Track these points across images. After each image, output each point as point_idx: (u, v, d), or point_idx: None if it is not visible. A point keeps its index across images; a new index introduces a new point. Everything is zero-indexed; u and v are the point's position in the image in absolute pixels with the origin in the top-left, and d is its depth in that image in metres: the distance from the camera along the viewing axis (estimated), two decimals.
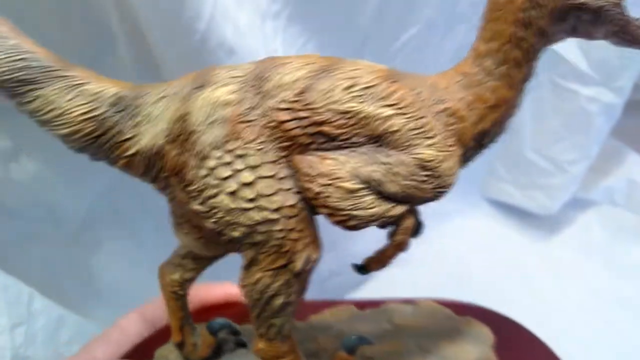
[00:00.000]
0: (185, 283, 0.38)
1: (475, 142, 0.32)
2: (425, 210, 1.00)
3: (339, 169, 0.29)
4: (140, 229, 0.70)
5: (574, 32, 0.31)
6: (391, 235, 0.33)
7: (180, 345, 0.40)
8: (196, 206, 0.29)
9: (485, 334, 0.42)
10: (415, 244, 0.99)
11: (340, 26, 0.69)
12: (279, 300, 0.30)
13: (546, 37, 0.31)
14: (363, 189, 0.29)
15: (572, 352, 0.72)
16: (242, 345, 0.41)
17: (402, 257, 0.99)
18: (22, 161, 0.58)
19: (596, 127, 0.83)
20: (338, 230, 0.88)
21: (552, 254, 0.91)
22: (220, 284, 0.49)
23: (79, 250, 0.67)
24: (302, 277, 0.31)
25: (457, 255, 0.91)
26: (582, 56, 0.79)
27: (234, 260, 0.34)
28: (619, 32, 0.31)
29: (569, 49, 0.79)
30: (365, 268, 0.34)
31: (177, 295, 0.38)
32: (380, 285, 0.88)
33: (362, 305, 0.47)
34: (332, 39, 0.68)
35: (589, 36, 0.32)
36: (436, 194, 0.31)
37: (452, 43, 0.77)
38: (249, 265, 0.30)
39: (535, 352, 0.47)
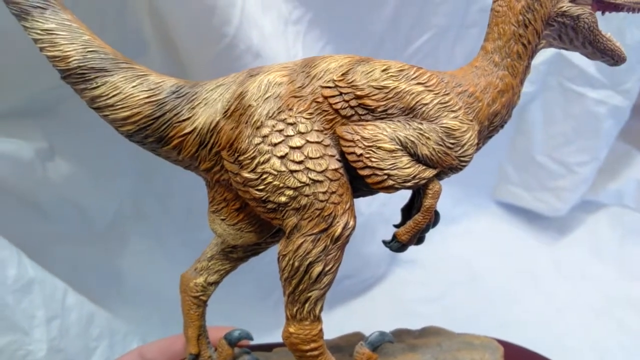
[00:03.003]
0: (209, 287, 0.40)
1: (488, 122, 0.38)
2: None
3: (380, 132, 0.33)
4: (163, 231, 0.72)
5: (560, 39, 0.39)
6: (420, 201, 0.36)
7: (195, 358, 0.40)
8: (246, 174, 0.32)
9: (496, 345, 0.44)
10: (426, 245, 1.00)
11: (356, 32, 0.72)
12: (318, 268, 0.33)
13: (539, 38, 0.38)
14: (400, 150, 0.34)
15: (582, 353, 0.73)
16: None
17: (412, 258, 0.99)
18: (58, 162, 0.60)
19: (604, 129, 0.85)
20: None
21: (562, 255, 0.92)
22: (227, 328, 0.49)
23: (106, 250, 0.69)
24: (339, 244, 0.33)
25: (467, 257, 0.92)
26: (590, 61, 0.80)
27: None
28: (593, 41, 0.38)
29: (577, 54, 0.80)
30: (395, 239, 0.36)
31: (198, 302, 0.40)
32: (391, 287, 0.89)
33: None
34: (349, 44, 0.70)
35: (571, 43, 0.39)
36: (460, 161, 0.35)
37: (463, 48, 0.79)
38: (290, 234, 0.33)
39: None
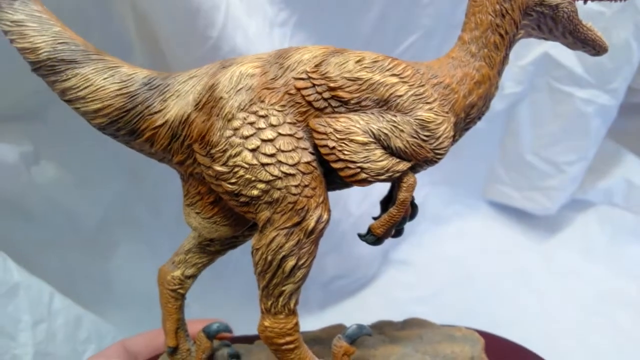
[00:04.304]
0: (186, 280, 0.40)
1: (464, 114, 0.37)
2: (428, 213, 1.00)
3: (353, 125, 0.33)
4: (152, 234, 0.72)
5: (539, 28, 0.38)
6: (395, 194, 0.35)
7: (174, 351, 0.40)
8: (218, 167, 0.32)
9: (477, 337, 0.44)
10: (417, 245, 0.99)
11: (343, 33, 0.72)
12: (291, 262, 0.32)
13: (517, 28, 0.37)
14: (373, 142, 0.33)
15: (573, 350, 0.73)
16: (235, 357, 0.41)
17: (404, 258, 0.99)
18: (43, 165, 0.60)
19: (592, 128, 0.86)
20: (340, 235, 0.88)
21: (552, 254, 0.93)
22: (207, 320, 0.49)
23: (95, 253, 0.68)
24: (313, 238, 0.33)
25: (459, 257, 0.92)
26: (578, 60, 0.82)
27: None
28: (573, 30, 0.37)
29: (565, 54, 0.82)
30: (370, 232, 0.36)
31: (176, 295, 0.39)
32: (383, 287, 0.89)
33: None
34: (336, 45, 0.70)
35: (550, 33, 0.38)
36: (435, 154, 0.35)
37: (449, 48, 0.79)
38: (263, 228, 0.33)
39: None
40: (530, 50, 0.82)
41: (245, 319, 0.45)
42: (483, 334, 0.45)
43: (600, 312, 0.81)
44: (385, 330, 0.45)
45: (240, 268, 0.73)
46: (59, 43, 0.31)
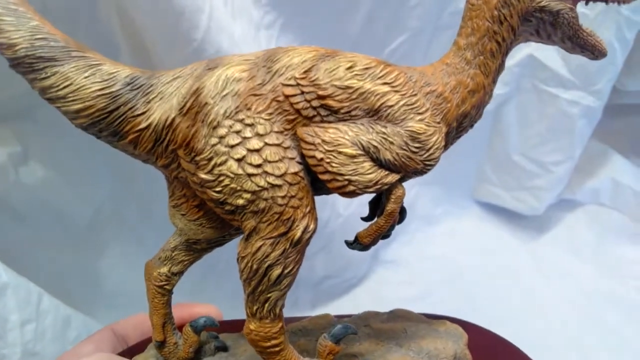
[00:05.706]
0: (173, 277, 0.39)
1: (457, 123, 0.36)
2: (418, 213, 1.01)
3: (341, 136, 0.32)
4: (143, 234, 0.72)
5: (537, 34, 0.37)
6: (383, 204, 0.35)
7: (161, 345, 0.39)
8: (203, 175, 0.31)
9: (460, 332, 0.43)
10: (407, 245, 0.99)
11: (330, 35, 0.72)
12: (277, 270, 0.32)
13: (515, 34, 0.36)
14: (362, 155, 0.32)
15: (563, 349, 0.74)
16: (222, 349, 0.41)
17: (394, 258, 0.99)
18: (32, 166, 0.60)
19: (578, 129, 0.87)
20: (330, 235, 0.88)
21: (541, 253, 0.94)
22: (197, 304, 0.49)
23: (85, 253, 0.68)
24: (299, 247, 0.32)
25: (449, 256, 0.93)
26: (563, 63, 0.83)
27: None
28: (572, 36, 0.36)
29: (550, 56, 0.83)
30: (357, 241, 0.36)
31: (163, 291, 0.39)
32: (373, 287, 0.90)
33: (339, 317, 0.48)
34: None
35: (549, 38, 0.37)
36: (425, 165, 0.34)
37: (436, 50, 0.80)
38: (248, 236, 0.32)
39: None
40: (515, 52, 0.83)
41: (240, 313, 0.46)
42: (467, 325, 0.45)
43: (589, 310, 0.82)
44: (370, 322, 0.45)
45: (234, 263, 0.73)
46: (36, 38, 0.30)
